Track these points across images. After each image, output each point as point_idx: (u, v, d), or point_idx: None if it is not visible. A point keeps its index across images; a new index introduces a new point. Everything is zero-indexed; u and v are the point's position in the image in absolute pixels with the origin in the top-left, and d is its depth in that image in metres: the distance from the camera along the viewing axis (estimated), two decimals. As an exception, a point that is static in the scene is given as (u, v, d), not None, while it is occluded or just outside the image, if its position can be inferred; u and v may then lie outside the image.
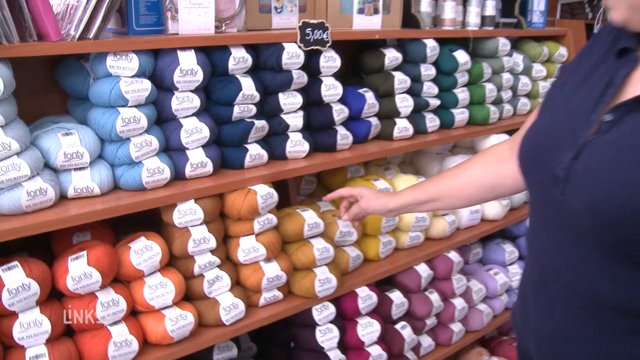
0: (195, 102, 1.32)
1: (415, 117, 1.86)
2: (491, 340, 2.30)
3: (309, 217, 1.48)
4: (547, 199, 0.87)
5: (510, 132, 2.43)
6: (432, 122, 1.90)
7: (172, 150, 1.33)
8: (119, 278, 1.24)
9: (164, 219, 1.31)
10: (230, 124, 1.41)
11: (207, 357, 1.41)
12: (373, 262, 1.73)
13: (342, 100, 1.65)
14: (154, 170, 1.25)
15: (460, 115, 1.99)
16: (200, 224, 1.31)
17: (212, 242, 1.32)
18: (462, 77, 1.96)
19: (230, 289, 1.38)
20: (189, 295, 1.35)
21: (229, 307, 1.35)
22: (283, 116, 1.51)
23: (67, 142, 1.17)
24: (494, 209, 2.07)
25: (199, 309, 1.33)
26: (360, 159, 1.67)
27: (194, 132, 1.31)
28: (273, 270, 1.41)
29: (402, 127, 1.77)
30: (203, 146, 1.35)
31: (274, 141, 1.52)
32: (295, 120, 1.52)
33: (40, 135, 1.19)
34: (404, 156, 2.16)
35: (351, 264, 1.63)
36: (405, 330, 1.71)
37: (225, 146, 1.42)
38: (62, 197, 1.21)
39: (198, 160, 1.32)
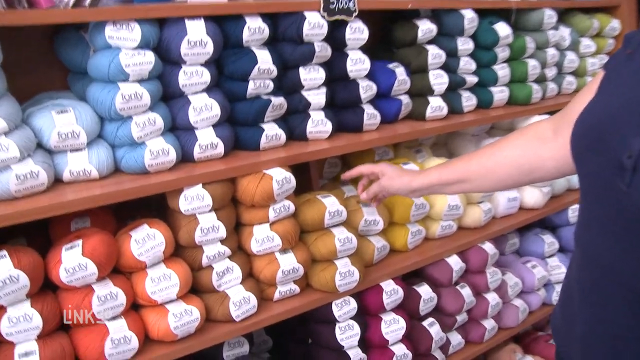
0: (205, 76, 1.18)
1: (450, 95, 1.68)
2: (525, 336, 2.13)
3: (331, 204, 1.34)
4: (606, 191, 0.73)
5: (554, 114, 2.24)
6: (468, 101, 1.72)
7: (179, 129, 1.20)
8: (120, 269, 1.13)
9: (169, 205, 1.19)
10: (244, 101, 1.27)
11: (216, 353, 1.30)
12: (400, 253, 1.58)
13: (369, 76, 1.49)
14: (158, 151, 1.12)
15: (500, 94, 1.80)
16: (209, 211, 1.18)
17: (222, 231, 1.20)
18: (502, 52, 1.77)
19: (241, 281, 1.26)
20: (197, 288, 1.23)
21: (240, 302, 1.22)
22: (304, 93, 1.36)
23: (61, 120, 1.06)
24: (533, 197, 1.90)
25: (207, 303, 1.22)
26: (389, 140, 1.51)
27: (204, 110, 1.18)
28: (289, 262, 1.28)
29: (436, 106, 1.61)
30: (214, 125, 1.22)
31: (294, 120, 1.38)
32: (317, 97, 1.37)
33: (33, 113, 1.07)
34: (437, 138, 1.99)
35: (376, 256, 1.48)
36: (433, 328, 1.57)
37: (239, 125, 1.29)
38: (58, 181, 1.10)
39: (208, 141, 1.19)
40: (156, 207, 1.25)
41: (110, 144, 1.13)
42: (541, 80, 1.94)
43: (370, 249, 1.47)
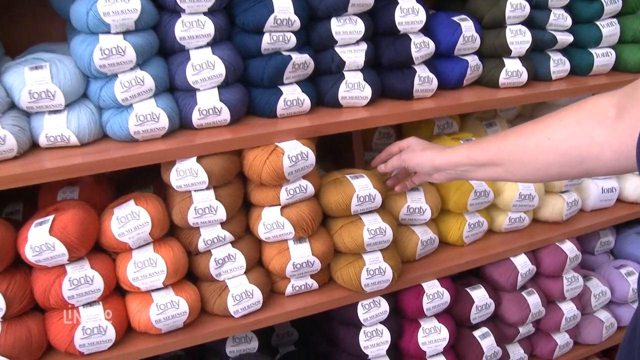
0: (208, 28, 0.99)
1: (535, 57, 1.36)
2: (612, 350, 1.79)
3: (362, 187, 1.11)
4: None
5: None
6: (558, 65, 1.38)
7: (179, 91, 1.02)
8: (104, 249, 1.00)
9: (163, 178, 1.03)
10: (258, 58, 1.06)
11: (219, 346, 1.15)
12: (453, 248, 1.33)
13: (426, 31, 1.21)
14: (146, 116, 0.96)
15: (603, 58, 1.43)
16: (205, 188, 1.01)
17: (221, 213, 1.02)
18: (610, 4, 1.39)
19: (245, 271, 1.08)
20: (195, 275, 1.08)
21: (241, 296, 1.05)
22: (337, 49, 1.12)
23: (33, 78, 0.91)
24: (638, 188, 1.53)
25: (203, 294, 1.06)
26: (447, 110, 1.23)
27: (204, 68, 0.99)
28: (303, 254, 1.08)
29: (513, 70, 1.29)
30: (219, 87, 1.02)
31: (324, 83, 1.15)
32: (353, 55, 1.13)
33: (8, 69, 0.94)
34: (522, 109, 1.65)
35: (420, 250, 1.24)
36: (486, 340, 1.31)
37: (254, 87, 1.09)
38: (37, 147, 0.97)
39: (209, 105, 1.01)
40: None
41: (95, 105, 0.98)
42: (663, 40, 1.53)
43: (413, 242, 1.23)
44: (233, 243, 1.08)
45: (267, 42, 1.03)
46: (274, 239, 1.08)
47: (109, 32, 0.92)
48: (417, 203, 1.22)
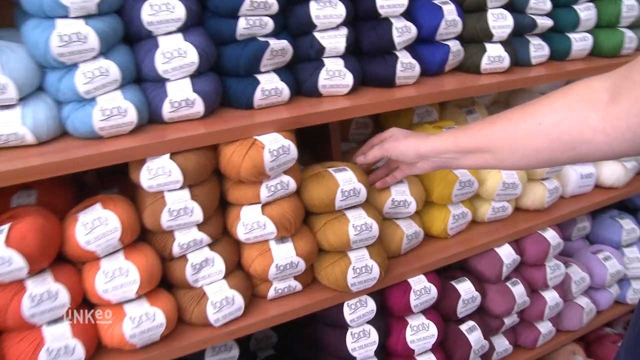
0: (179, 11, 0.90)
1: (516, 42, 1.32)
2: (589, 334, 1.81)
3: (345, 181, 1.05)
4: None
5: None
6: (538, 50, 1.35)
7: (147, 82, 0.93)
8: (69, 258, 0.90)
9: (132, 178, 0.94)
10: (233, 45, 0.98)
11: (197, 357, 1.07)
12: (438, 241, 1.29)
13: (408, 15, 1.15)
14: (112, 110, 0.86)
15: (581, 42, 1.41)
16: (180, 188, 0.92)
17: (198, 214, 0.94)
18: (589, -14, 1.37)
19: (225, 276, 1.01)
20: (171, 281, 0.99)
21: (221, 303, 0.98)
22: (316, 34, 1.05)
23: (-21, 67, 0.81)
24: (614, 173, 1.53)
25: (180, 302, 0.98)
26: (429, 98, 1.18)
27: (176, 56, 0.90)
28: (286, 255, 1.01)
29: (495, 55, 1.25)
30: (191, 76, 0.94)
31: (303, 71, 1.08)
32: (333, 40, 1.06)
33: (-49, 56, 0.83)
34: (498, 95, 1.63)
35: (405, 245, 1.19)
36: (473, 334, 1.28)
37: (228, 76, 1.00)
38: (-13, 145, 0.87)
39: (181, 97, 0.92)
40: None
41: (53, 100, 0.88)
42: (636, 25, 1.52)
43: (398, 236, 1.18)
44: (210, 246, 1.00)
45: (242, 26, 0.95)
46: (254, 239, 1.01)
47: (67, 16, 0.82)
48: (401, 196, 1.17)
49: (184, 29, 0.93)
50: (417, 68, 1.16)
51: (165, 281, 0.99)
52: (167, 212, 0.92)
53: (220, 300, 0.98)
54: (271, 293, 1.06)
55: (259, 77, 1.00)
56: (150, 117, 0.93)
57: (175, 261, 0.98)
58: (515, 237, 1.35)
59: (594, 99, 0.71)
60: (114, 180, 1.12)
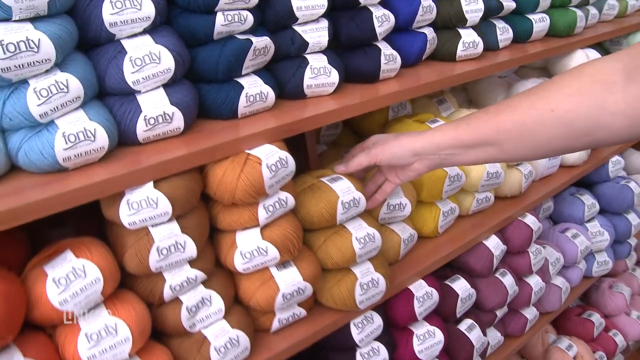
0: (147, 8, 0.74)
1: (482, 26, 1.27)
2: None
3: (344, 191, 0.94)
4: None
5: (606, 45, 1.85)
6: (504, 33, 1.31)
7: (113, 96, 0.77)
8: (36, 323, 0.72)
9: (106, 215, 0.77)
10: (210, 45, 0.83)
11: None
12: (429, 241, 1.22)
13: (384, 3, 1.06)
14: (78, 135, 0.69)
15: (540, 23, 1.39)
16: (168, 220, 0.77)
17: (191, 249, 0.79)
18: (546, -34, 1.35)
19: (225, 315, 0.87)
20: (162, 330, 0.84)
21: (225, 347, 0.84)
22: (297, 28, 0.93)
23: None
24: (575, 153, 1.54)
25: (178, 354, 0.83)
26: (411, 93, 1.09)
27: (148, 63, 0.74)
28: (292, 281, 0.89)
29: (469, 41, 1.19)
30: (165, 86, 0.78)
31: (284, 70, 0.95)
32: (316, 34, 0.94)
33: None
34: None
35: (403, 250, 1.11)
36: (473, 333, 1.23)
37: (204, 83, 0.86)
38: None
39: (157, 111, 0.76)
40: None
41: (-5, 126, 0.69)
42: (582, 4, 1.54)
43: (395, 243, 1.10)
44: (205, 283, 0.85)
45: (221, 23, 0.81)
46: (254, 268, 0.88)
47: (9, 19, 0.64)
48: (396, 199, 1.08)
49: (152, 30, 0.77)
50: (399, 59, 1.08)
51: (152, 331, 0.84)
52: (156, 251, 0.76)
53: (224, 343, 0.84)
54: (275, 325, 0.93)
55: (241, 81, 0.86)
56: (121, 139, 0.77)
57: (167, 306, 0.82)
58: (499, 227, 1.31)
59: (609, 81, 0.66)
60: (63, 218, 0.94)
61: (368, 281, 0.98)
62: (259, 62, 0.88)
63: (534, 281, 1.41)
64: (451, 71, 1.17)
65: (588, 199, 1.65)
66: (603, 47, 1.87)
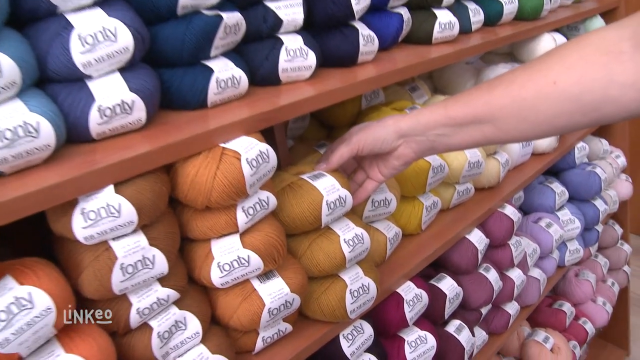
0: (95, -27, 0.61)
1: (455, 8, 1.21)
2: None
3: (328, 190, 0.84)
4: None
5: (563, 31, 1.84)
6: (476, 15, 1.26)
7: (58, 82, 0.63)
8: (-33, 368, 0.58)
9: (54, 230, 0.63)
10: (173, 22, 0.71)
11: None
12: (411, 239, 1.14)
13: (358, -22, 0.97)
14: (16, 130, 0.56)
15: (510, 5, 1.34)
16: (133, 232, 0.65)
17: (160, 264, 0.67)
18: (516, -56, 1.31)
19: (202, 339, 0.75)
20: (127, 363, 0.71)
21: (206, 377, 0.72)
22: (270, 4, 0.83)
23: None
24: (546, 139, 1.51)
25: (148, 389, 0.71)
26: (389, 78, 1.00)
27: (101, 41, 0.62)
28: (277, 294, 0.78)
29: (445, 22, 1.12)
30: (122, 70, 0.66)
31: (255, 52, 0.84)
32: (290, 11, 0.84)
33: None
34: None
35: (389, 250, 1.03)
36: (462, 334, 1.16)
37: (166, 66, 0.74)
38: None
39: (114, 100, 0.64)
40: (40, 222, 0.69)
41: None
42: (548, -14, 1.52)
43: (382, 243, 1.01)
44: (178, 302, 0.73)
45: (185, -5, 0.69)
46: (233, 281, 0.76)
47: None
48: (381, 194, 1.00)
49: (103, 3, 0.64)
50: (376, 41, 0.99)
51: None
52: (119, 269, 0.63)
53: (204, 373, 0.72)
54: (259, 345, 0.82)
55: (210, 64, 0.75)
56: (70, 136, 0.64)
57: (134, 334, 0.69)
58: (480, 221, 1.26)
59: (615, 51, 0.62)
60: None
61: (358, 287, 0.89)
62: (229, 42, 0.77)
63: (516, 274, 1.36)
64: (428, 54, 1.10)
65: (558, 187, 1.64)
66: (561, 33, 1.87)
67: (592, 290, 1.89)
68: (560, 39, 1.48)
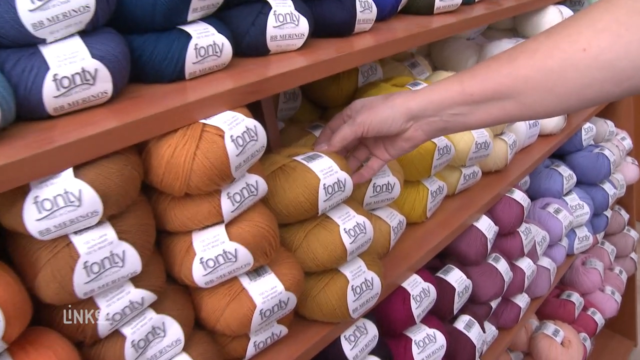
0: None
1: (456, -26, 1.13)
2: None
3: (326, 172, 0.76)
4: None
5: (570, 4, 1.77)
6: (478, -18, 1.18)
7: (3, 48, 0.54)
8: None
9: (3, 222, 0.54)
10: (142, -21, 0.62)
11: None
12: (416, 228, 1.06)
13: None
14: (-53, 102, 0.47)
15: (511, -32, 1.27)
16: (98, 224, 0.56)
17: (132, 261, 0.58)
18: None
19: (185, 347, 0.66)
20: (97, 377, 0.62)
21: (190, 390, 0.64)
22: (254, -37, 0.74)
23: None
24: (553, 119, 1.44)
25: (122, 407, 0.62)
26: (393, 48, 0.92)
27: (52, -4, 0.52)
28: (270, 293, 0.70)
29: (448, -11, 1.04)
30: (82, 33, 0.56)
31: (240, 18, 0.75)
32: (279, -29, 0.75)
33: None
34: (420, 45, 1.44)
35: (393, 241, 0.95)
36: (473, 331, 1.09)
37: (138, 32, 0.64)
38: None
39: (73, 69, 0.54)
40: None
41: None
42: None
43: (385, 232, 0.93)
44: (155, 306, 0.64)
45: (155, -55, 0.60)
46: (219, 280, 0.68)
47: None
48: (383, 178, 0.91)
49: (56, -49, 0.55)
50: (374, 8, 0.90)
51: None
52: (83, 268, 0.54)
53: (188, 386, 0.64)
54: (250, 351, 0.74)
55: (188, 28, 0.66)
56: (21, 111, 0.55)
57: (104, 344, 0.60)
58: (489, 207, 1.18)
59: None
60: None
61: (361, 283, 0.80)
62: (209, 4, 0.68)
63: (526, 264, 1.29)
64: (430, 24, 1.01)
65: (565, 170, 1.57)
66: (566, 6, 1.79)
67: (600, 279, 1.82)
68: (566, 11, 1.40)
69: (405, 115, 0.75)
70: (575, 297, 1.72)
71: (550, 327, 1.58)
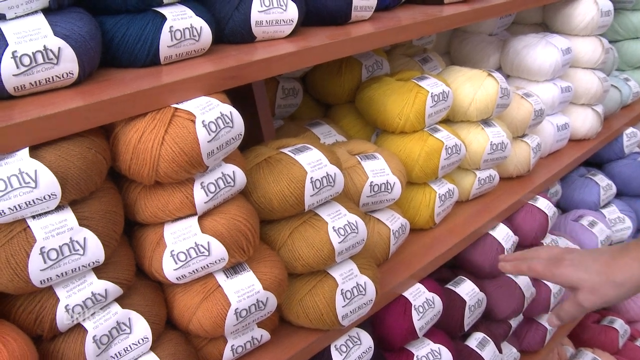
0: None
1: (474, -39, 1.14)
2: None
3: (313, 165, 0.77)
4: None
5: None
6: (498, -30, 1.18)
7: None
8: None
9: (-42, 203, 0.57)
10: (113, -44, 0.65)
11: None
12: (422, 234, 1.06)
13: None
14: None
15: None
16: (57, 208, 0.58)
17: (95, 250, 0.60)
18: None
19: (153, 346, 0.67)
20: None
21: (155, 392, 0.65)
22: (238, -57, 0.76)
23: None
24: (586, 120, 1.43)
25: (82, 407, 0.63)
26: (393, 37, 0.93)
27: (13, -29, 0.55)
28: (246, 292, 0.71)
29: (460, -24, 1.05)
30: (47, 12, 0.59)
31: (224, 1, 0.77)
32: (264, -48, 0.77)
33: None
34: (438, 37, 1.44)
35: (393, 245, 0.95)
36: (486, 350, 1.07)
37: (111, 13, 0.67)
38: None
39: (34, 47, 0.57)
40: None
41: None
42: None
43: (384, 236, 0.93)
44: (121, 300, 0.66)
45: None
46: (191, 276, 0.69)
47: None
48: (381, 176, 0.92)
49: None
50: (375, -6, 0.92)
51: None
52: (39, 254, 0.56)
53: (153, 388, 0.65)
54: (227, 355, 0.74)
55: (163, 10, 0.68)
56: (-21, 89, 0.58)
57: (64, 339, 0.62)
58: (508, 214, 1.17)
59: None
60: None
61: (352, 287, 0.81)
62: (186, -16, 0.70)
63: (552, 280, 1.26)
64: (439, 13, 1.02)
65: (602, 180, 1.54)
66: None
67: (648, 305, 1.77)
68: (602, 1, 1.38)
69: (609, 283, 0.75)
70: (619, 324, 1.67)
71: (587, 356, 1.53)
